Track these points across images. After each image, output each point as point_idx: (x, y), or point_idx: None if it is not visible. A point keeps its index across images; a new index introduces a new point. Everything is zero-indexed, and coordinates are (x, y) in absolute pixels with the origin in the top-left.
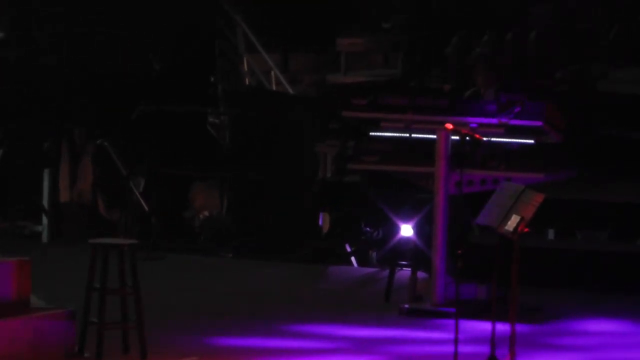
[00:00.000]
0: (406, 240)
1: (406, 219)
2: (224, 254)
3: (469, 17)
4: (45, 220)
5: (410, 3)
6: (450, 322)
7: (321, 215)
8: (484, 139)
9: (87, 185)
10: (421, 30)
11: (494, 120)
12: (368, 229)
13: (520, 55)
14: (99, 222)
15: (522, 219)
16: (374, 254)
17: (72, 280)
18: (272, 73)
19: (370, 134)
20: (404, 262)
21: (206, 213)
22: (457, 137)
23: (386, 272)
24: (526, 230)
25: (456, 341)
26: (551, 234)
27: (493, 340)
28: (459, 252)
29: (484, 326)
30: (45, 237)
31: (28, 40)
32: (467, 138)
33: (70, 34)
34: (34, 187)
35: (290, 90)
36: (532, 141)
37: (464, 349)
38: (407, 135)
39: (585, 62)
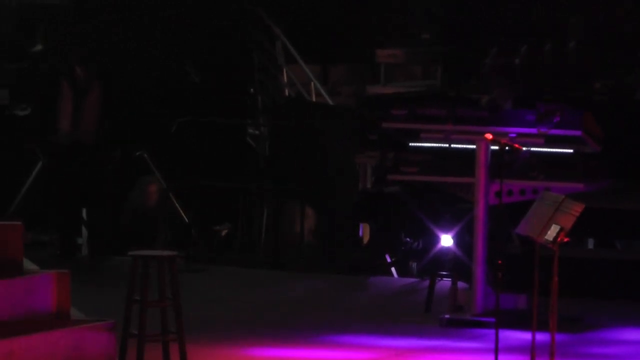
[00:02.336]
0: (446, 250)
1: (446, 229)
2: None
3: (507, 27)
4: (85, 232)
5: (450, 14)
6: (491, 332)
7: (361, 226)
8: (524, 148)
9: (92, 124)
10: (460, 41)
11: (533, 130)
12: (408, 239)
13: (559, 66)
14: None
15: (561, 229)
16: (414, 265)
17: (112, 292)
18: (312, 84)
19: (410, 144)
20: (444, 273)
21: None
22: (496, 147)
23: (426, 283)
24: (566, 240)
25: (496, 351)
26: (591, 243)
27: (533, 350)
28: (499, 262)
29: (524, 336)
30: (85, 250)
31: (64, 53)
32: (507, 148)
33: (107, 46)
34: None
35: (330, 102)
36: (571, 151)
37: (504, 358)
38: (447, 145)
39: (623, 72)
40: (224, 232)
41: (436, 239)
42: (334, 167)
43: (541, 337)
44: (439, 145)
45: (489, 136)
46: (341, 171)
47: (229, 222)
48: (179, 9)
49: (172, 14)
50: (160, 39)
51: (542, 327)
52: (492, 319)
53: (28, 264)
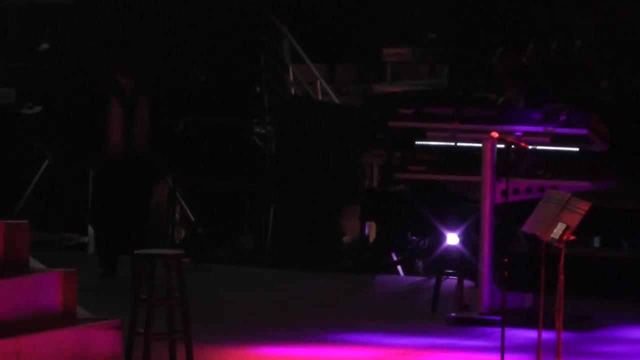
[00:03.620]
0: (452, 249)
1: (452, 228)
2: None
3: (513, 27)
4: (91, 231)
5: (456, 13)
6: (497, 330)
7: (367, 225)
8: (530, 147)
9: (144, 136)
10: (466, 40)
11: (539, 129)
12: (414, 238)
13: (565, 66)
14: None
15: (567, 227)
16: (420, 263)
17: (118, 291)
18: (318, 83)
19: (416, 143)
20: (450, 271)
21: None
22: (502, 146)
23: (432, 281)
24: (572, 238)
25: (502, 350)
26: (597, 242)
27: (539, 348)
28: (505, 260)
29: (530, 334)
30: (91, 248)
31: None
32: (513, 147)
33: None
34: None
35: (337, 100)
36: (577, 149)
37: (510, 357)
38: (453, 144)
39: (629, 72)
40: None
41: (442, 238)
42: (340, 166)
43: (547, 335)
44: (446, 144)
45: (495, 135)
46: (347, 170)
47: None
48: (184, 8)
49: (177, 14)
50: (164, 39)
51: (549, 325)
52: (499, 318)
53: (34, 263)
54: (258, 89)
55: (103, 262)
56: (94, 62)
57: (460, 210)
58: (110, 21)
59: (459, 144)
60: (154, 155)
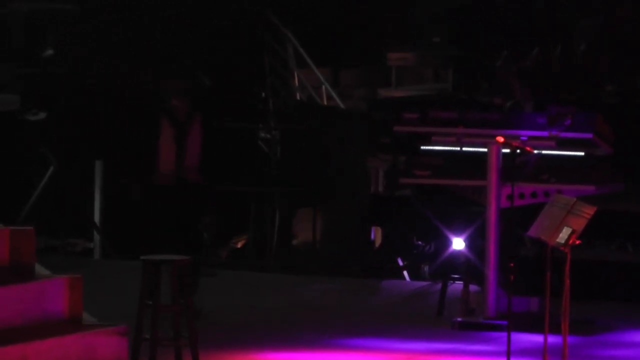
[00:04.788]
0: (458, 253)
1: (458, 233)
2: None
3: (517, 30)
4: (96, 236)
5: (460, 17)
6: (503, 334)
7: (373, 230)
8: (535, 151)
9: (196, 160)
10: (471, 44)
11: (544, 133)
12: (420, 242)
13: (569, 68)
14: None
15: (573, 232)
16: (426, 268)
17: (124, 297)
18: (323, 88)
19: (422, 148)
20: (456, 276)
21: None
22: (507, 150)
23: (438, 286)
24: (577, 242)
25: (508, 354)
26: (602, 246)
27: (545, 352)
28: (511, 264)
29: (536, 339)
30: (97, 254)
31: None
32: (518, 151)
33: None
34: (86, 203)
35: (341, 105)
36: (582, 153)
37: None
38: (458, 149)
39: (634, 74)
40: (239, 244)
41: (448, 242)
42: (346, 170)
43: (553, 339)
44: (451, 148)
45: (501, 139)
46: (353, 175)
47: (244, 232)
48: (187, 12)
49: (182, 18)
50: (168, 44)
51: (554, 329)
52: (505, 322)
53: (40, 269)
54: (263, 93)
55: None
56: (96, 65)
57: (466, 215)
58: (115, 25)
59: (464, 148)
60: (206, 182)
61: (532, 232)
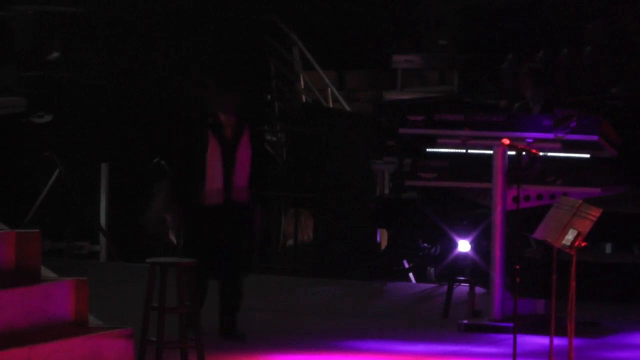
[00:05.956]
0: (464, 255)
1: (464, 235)
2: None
3: (524, 33)
4: (102, 239)
5: (466, 20)
6: (509, 337)
7: (379, 232)
8: (541, 154)
9: (245, 179)
10: (476, 47)
11: (550, 135)
12: (425, 245)
13: (575, 71)
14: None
15: (579, 234)
16: (432, 270)
17: (130, 299)
18: (329, 90)
19: (427, 150)
20: (461, 278)
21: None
22: (513, 153)
23: (444, 288)
24: (583, 244)
25: (514, 356)
26: (608, 248)
27: (551, 354)
28: (517, 267)
29: (542, 341)
30: (102, 257)
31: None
32: (524, 153)
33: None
34: (92, 206)
35: (347, 107)
36: (588, 155)
37: None
38: (464, 151)
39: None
40: None
41: (454, 245)
42: (351, 173)
43: (559, 341)
44: (456, 150)
45: (506, 141)
46: (358, 177)
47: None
48: (195, 16)
49: (188, 22)
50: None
51: (560, 332)
52: (510, 324)
53: (46, 272)
54: (269, 96)
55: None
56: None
57: (472, 217)
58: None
59: (469, 150)
60: (254, 202)
61: (538, 234)
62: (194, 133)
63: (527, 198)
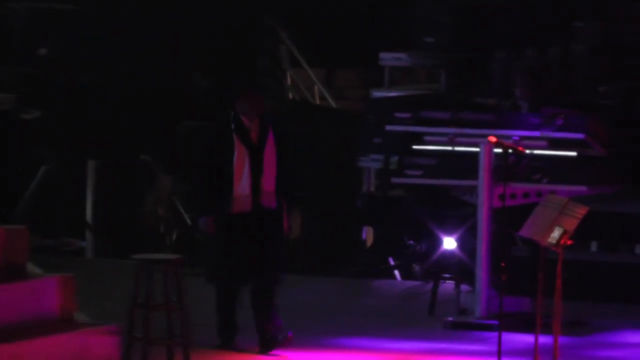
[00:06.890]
0: (450, 253)
1: (449, 232)
2: None
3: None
4: (89, 236)
5: (455, 18)
6: (494, 334)
7: (365, 230)
8: (527, 151)
9: (272, 184)
10: (465, 44)
11: (536, 133)
12: (411, 242)
13: (565, 70)
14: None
15: (565, 232)
16: (418, 268)
17: (116, 296)
18: (316, 88)
19: (414, 148)
20: (447, 275)
21: None
22: (500, 150)
23: (430, 286)
24: (569, 242)
25: (499, 354)
26: (594, 246)
27: (536, 352)
28: (503, 264)
29: (528, 339)
30: (89, 253)
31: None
32: (510, 151)
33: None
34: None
35: (334, 105)
36: (574, 154)
37: None
38: (451, 149)
39: (630, 77)
40: None
41: (440, 242)
42: (338, 170)
43: (545, 339)
44: (443, 148)
45: (493, 139)
46: (345, 175)
47: None
48: (183, 14)
49: (177, 19)
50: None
51: (546, 330)
52: (496, 322)
53: (33, 268)
54: None
55: (221, 328)
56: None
57: (458, 215)
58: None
59: (456, 148)
60: (282, 207)
61: (524, 232)
62: (219, 139)
63: (513, 196)
